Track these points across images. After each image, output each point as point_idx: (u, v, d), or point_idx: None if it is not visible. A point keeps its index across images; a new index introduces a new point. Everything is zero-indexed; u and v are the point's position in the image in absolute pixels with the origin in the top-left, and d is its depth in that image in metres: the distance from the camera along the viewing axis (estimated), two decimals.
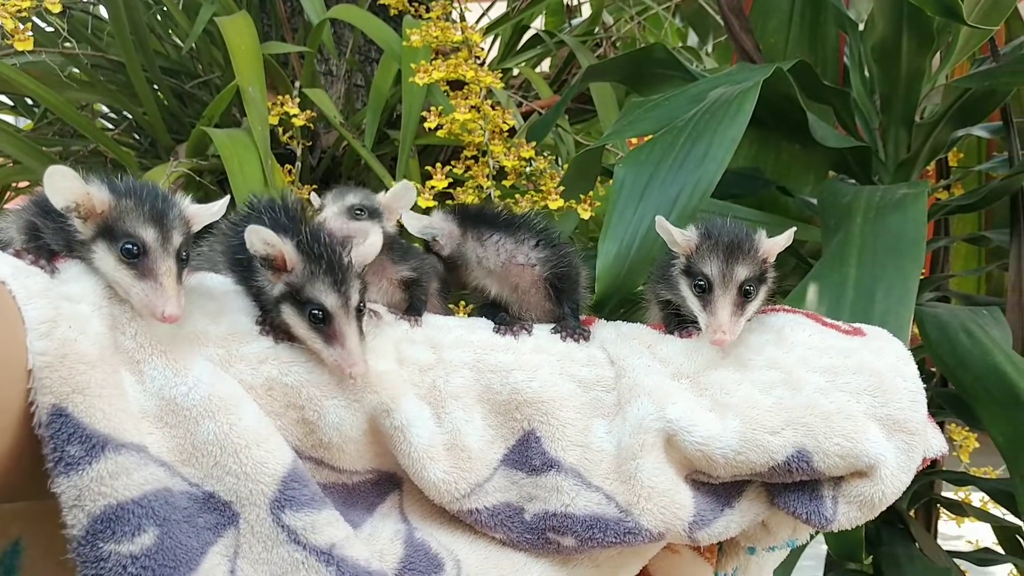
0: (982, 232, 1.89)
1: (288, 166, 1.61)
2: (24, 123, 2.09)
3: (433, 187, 1.40)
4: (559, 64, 2.30)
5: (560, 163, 2.00)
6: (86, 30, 1.97)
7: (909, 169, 1.57)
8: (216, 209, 0.88)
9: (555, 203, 1.43)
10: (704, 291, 0.98)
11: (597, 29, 2.36)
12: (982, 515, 1.90)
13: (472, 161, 1.47)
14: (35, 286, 0.75)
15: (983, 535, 2.32)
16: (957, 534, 2.52)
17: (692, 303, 1.00)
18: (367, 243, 0.91)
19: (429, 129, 1.48)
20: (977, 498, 2.25)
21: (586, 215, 1.42)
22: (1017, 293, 1.50)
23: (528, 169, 1.52)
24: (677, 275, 1.02)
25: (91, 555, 0.72)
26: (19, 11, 1.37)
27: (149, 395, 0.79)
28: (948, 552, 1.77)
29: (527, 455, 0.95)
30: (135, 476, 0.74)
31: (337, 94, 1.97)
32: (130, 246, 0.79)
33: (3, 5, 1.37)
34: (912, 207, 1.24)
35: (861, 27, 1.63)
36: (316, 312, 0.85)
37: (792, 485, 0.96)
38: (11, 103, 2.13)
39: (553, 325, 1.05)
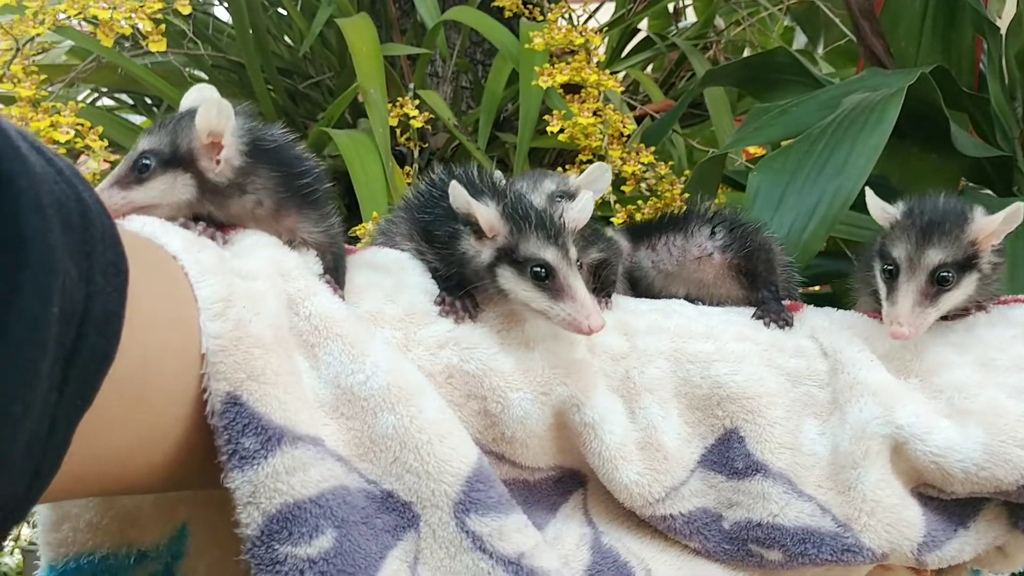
0: None
1: (407, 168, 1.61)
2: (140, 120, 2.12)
3: None
4: (668, 67, 2.23)
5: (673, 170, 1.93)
6: (207, 31, 2.01)
7: None
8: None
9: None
10: (891, 276, 0.86)
11: (708, 32, 2.28)
12: None
13: (586, 165, 1.44)
14: (208, 261, 0.68)
15: None
16: None
17: (880, 289, 0.88)
18: (578, 208, 0.82)
19: (551, 133, 1.45)
20: None
21: None
22: None
23: (648, 175, 1.48)
24: (873, 257, 0.90)
25: (266, 557, 0.65)
26: (153, 13, 1.38)
27: (324, 382, 0.72)
28: None
29: (728, 456, 0.85)
30: (312, 472, 0.67)
31: (445, 95, 1.96)
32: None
33: (141, 7, 1.37)
34: None
35: (1003, 31, 1.53)
36: (538, 268, 0.76)
37: None
38: (131, 102, 2.17)
39: (755, 310, 0.93)
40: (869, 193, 0.90)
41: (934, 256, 0.84)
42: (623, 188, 1.50)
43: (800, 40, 2.59)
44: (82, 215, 0.53)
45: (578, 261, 0.79)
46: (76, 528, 0.78)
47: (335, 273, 0.76)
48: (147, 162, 0.72)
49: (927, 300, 0.84)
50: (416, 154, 1.66)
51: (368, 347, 0.73)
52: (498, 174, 0.84)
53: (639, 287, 1.00)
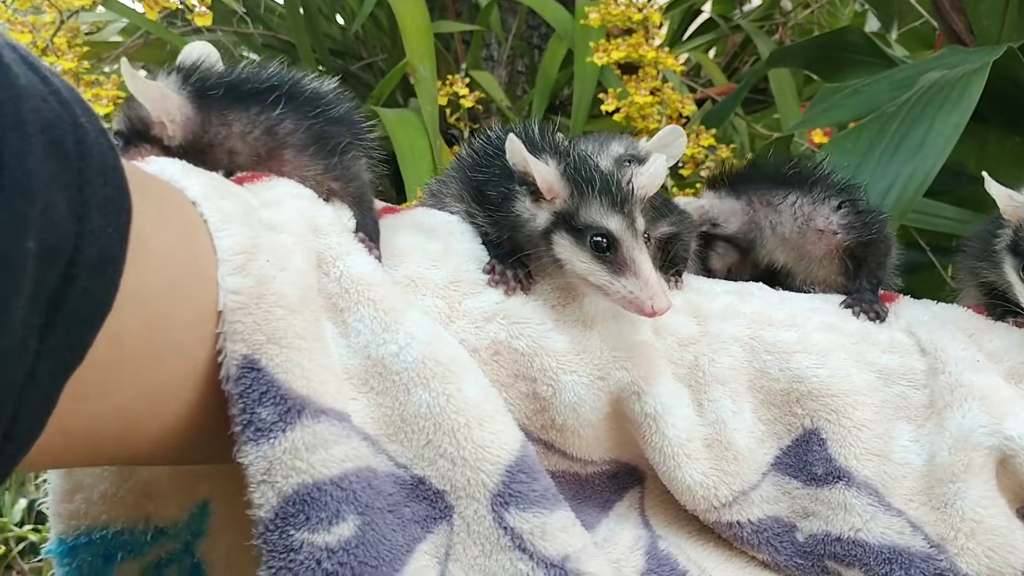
0: None
1: (456, 148, 1.55)
2: None
3: None
4: (731, 50, 2.17)
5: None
6: (259, 10, 1.99)
7: None
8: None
9: None
10: None
11: (775, 14, 2.20)
12: None
13: None
14: (231, 209, 0.61)
15: None
16: None
17: (1020, 291, 0.77)
18: (648, 173, 0.73)
19: (606, 112, 1.40)
20: None
21: None
22: None
23: (708, 159, 1.44)
24: (1002, 251, 0.79)
25: (280, 544, 0.58)
26: None
27: (353, 352, 0.65)
28: None
29: (806, 460, 0.75)
30: (335, 451, 0.60)
31: (500, 79, 1.92)
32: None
33: None
34: None
35: None
36: (599, 238, 0.68)
37: None
38: None
39: (844, 298, 0.83)
40: (988, 179, 0.79)
41: None
42: (682, 171, 1.45)
43: (873, 24, 2.47)
44: (78, 142, 0.46)
45: (645, 234, 0.70)
46: (89, 500, 0.72)
47: (367, 230, 0.69)
48: (116, 142, 0.67)
49: None
50: (467, 135, 1.62)
51: (404, 315, 0.65)
52: (560, 135, 0.76)
53: (742, 253, 0.91)
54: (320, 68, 1.82)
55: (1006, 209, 0.78)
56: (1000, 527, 0.70)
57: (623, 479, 0.79)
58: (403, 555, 0.62)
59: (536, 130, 0.74)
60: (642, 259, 0.68)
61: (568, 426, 0.72)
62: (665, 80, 1.46)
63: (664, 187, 1.31)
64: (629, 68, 1.43)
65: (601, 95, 1.43)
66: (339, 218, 0.68)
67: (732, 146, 1.47)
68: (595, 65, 1.41)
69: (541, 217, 0.70)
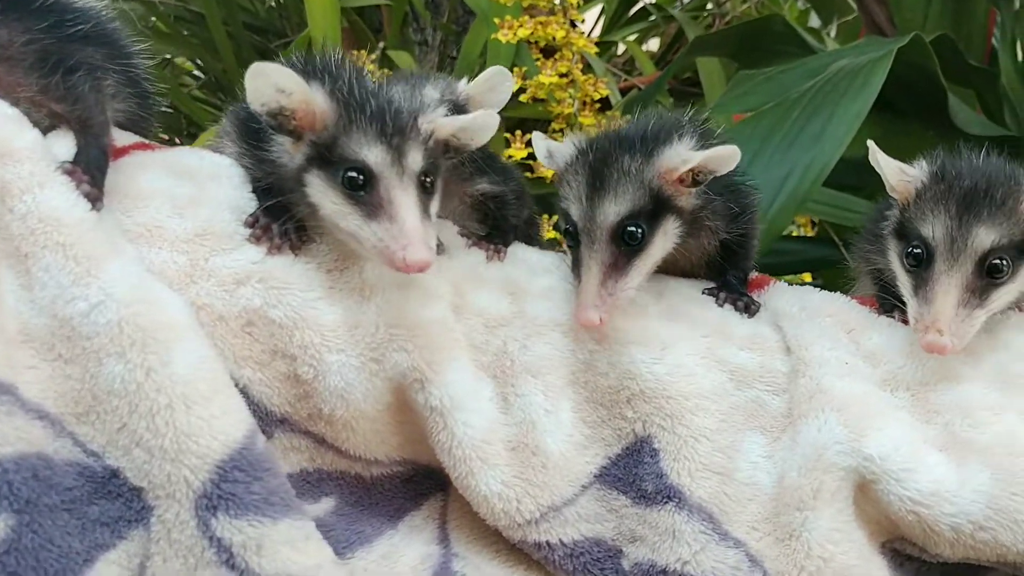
0: None
1: None
2: None
3: (511, 157, 1.22)
4: (667, 41, 2.06)
5: None
6: None
7: None
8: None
9: None
10: (919, 263, 0.62)
11: (710, 5, 2.11)
12: None
13: (559, 134, 1.29)
14: None
15: None
16: None
17: (902, 280, 0.64)
18: (476, 118, 0.60)
19: (514, 95, 1.28)
20: None
21: None
22: None
23: None
24: (888, 235, 0.67)
25: None
26: None
27: (39, 309, 0.52)
28: None
29: (637, 473, 0.63)
30: None
31: (431, 64, 1.81)
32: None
33: None
34: None
35: (1017, 3, 1.42)
36: (353, 173, 0.55)
37: None
38: None
39: (707, 286, 0.70)
40: (873, 147, 0.66)
41: (985, 236, 0.60)
42: None
43: (815, 23, 2.43)
44: None
45: (427, 177, 0.57)
46: None
47: (87, 162, 0.56)
48: None
49: (974, 297, 0.60)
50: None
51: (102, 267, 0.52)
52: (352, 64, 0.62)
53: None
54: (234, 42, 1.72)
55: (897, 185, 0.65)
56: (852, 566, 0.57)
57: (421, 484, 0.66)
58: (78, 566, 0.50)
59: (319, 59, 0.61)
60: (403, 201, 0.54)
61: (338, 417, 0.59)
62: (590, 68, 1.37)
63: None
64: (550, 53, 1.33)
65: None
66: (43, 145, 0.55)
67: None
68: (509, 45, 1.31)
69: (298, 156, 0.57)
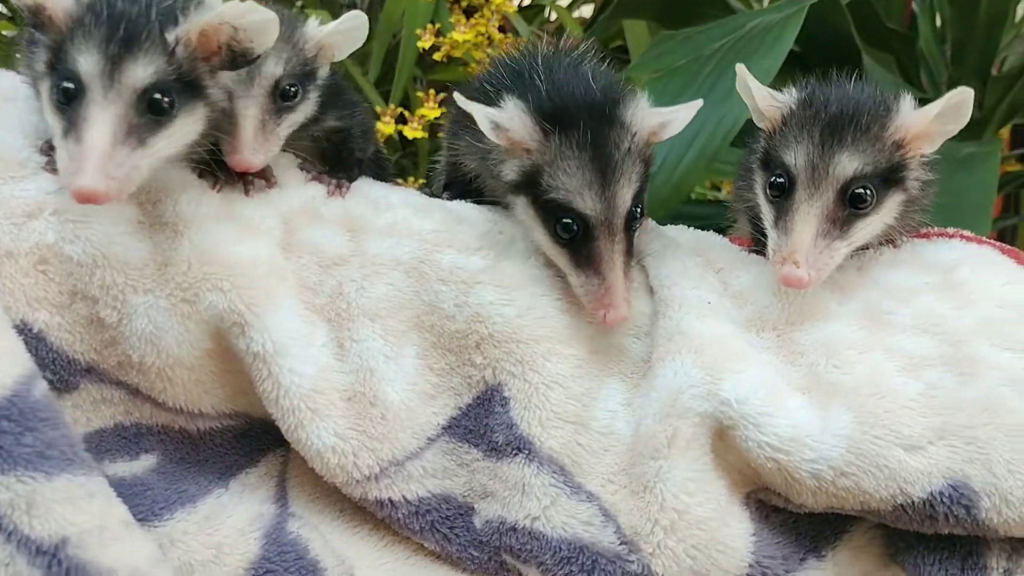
0: None
1: None
2: None
3: (423, 116, 1.21)
4: (599, 5, 1.97)
5: None
6: None
7: (980, 131, 1.34)
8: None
9: None
10: (782, 193, 0.58)
11: None
12: None
13: None
14: None
15: None
16: None
17: (765, 211, 0.60)
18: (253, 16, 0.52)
19: (423, 50, 1.27)
20: None
21: None
22: None
23: None
24: (755, 167, 0.62)
25: None
26: None
27: None
28: None
29: (487, 424, 0.58)
30: None
31: None
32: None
33: None
34: (981, 168, 1.01)
35: None
36: (65, 84, 0.48)
37: (933, 541, 0.55)
38: None
39: None
40: (742, 71, 0.61)
41: (848, 163, 0.56)
42: None
43: None
44: None
45: (162, 95, 0.50)
46: None
47: None
48: None
49: (835, 228, 0.56)
50: None
51: None
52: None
53: None
54: None
55: (765, 110, 0.60)
56: (707, 519, 0.53)
57: (258, 439, 0.61)
58: None
59: None
60: (99, 117, 0.47)
61: (150, 365, 0.54)
62: (517, 34, 1.32)
63: None
64: (472, 14, 1.31)
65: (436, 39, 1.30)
66: None
67: None
68: (427, 4, 1.27)
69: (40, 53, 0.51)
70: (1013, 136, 1.77)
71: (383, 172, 0.71)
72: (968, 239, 0.64)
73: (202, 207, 0.54)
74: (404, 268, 0.59)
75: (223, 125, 0.55)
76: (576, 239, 0.56)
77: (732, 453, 0.55)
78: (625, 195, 0.55)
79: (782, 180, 0.58)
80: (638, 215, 0.57)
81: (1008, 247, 0.63)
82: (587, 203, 0.55)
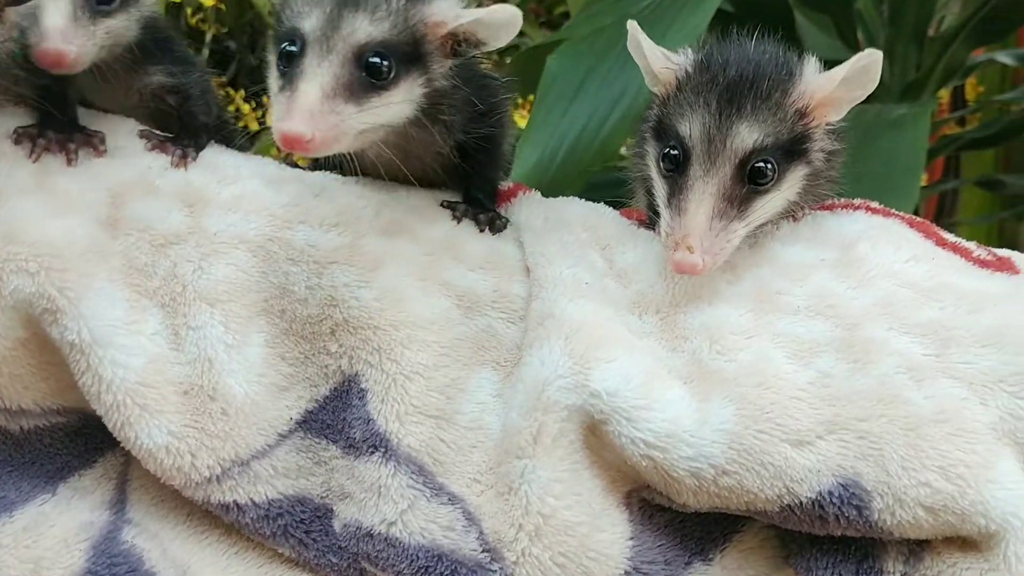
0: (998, 175, 1.66)
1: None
2: None
3: None
4: None
5: None
6: None
7: (917, 93, 1.34)
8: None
9: None
10: (675, 166, 0.53)
11: None
12: None
13: None
14: None
15: None
16: None
17: (657, 187, 0.55)
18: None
19: None
20: None
21: (524, 123, 1.14)
22: None
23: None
24: (648, 136, 0.57)
25: None
26: None
27: None
28: None
29: (345, 419, 0.53)
30: None
31: None
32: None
33: None
34: (911, 129, 1.01)
35: None
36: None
37: (827, 543, 0.50)
38: None
39: (445, 199, 0.60)
40: (634, 28, 0.56)
41: (747, 134, 0.52)
42: None
43: None
44: None
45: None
46: None
47: None
48: None
49: (733, 208, 0.52)
50: (230, 46, 1.49)
51: None
52: None
53: None
54: None
55: (659, 72, 0.55)
56: (577, 524, 0.48)
57: (94, 438, 0.55)
58: None
59: None
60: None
61: None
62: None
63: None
64: None
65: None
66: None
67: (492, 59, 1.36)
68: None
69: None
70: (953, 99, 1.77)
71: (228, 143, 0.65)
72: (874, 211, 0.58)
73: (13, 179, 0.49)
74: (250, 247, 0.53)
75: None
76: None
77: (607, 450, 0.50)
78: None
79: (676, 152, 0.53)
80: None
81: (918, 220, 0.58)
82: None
